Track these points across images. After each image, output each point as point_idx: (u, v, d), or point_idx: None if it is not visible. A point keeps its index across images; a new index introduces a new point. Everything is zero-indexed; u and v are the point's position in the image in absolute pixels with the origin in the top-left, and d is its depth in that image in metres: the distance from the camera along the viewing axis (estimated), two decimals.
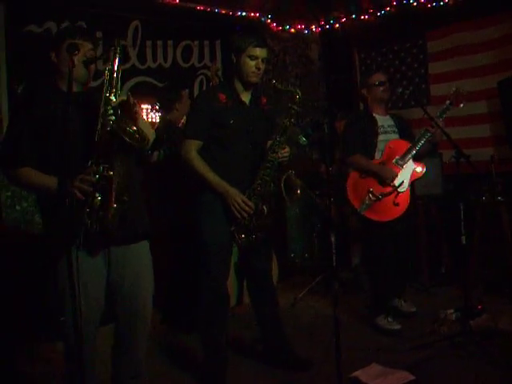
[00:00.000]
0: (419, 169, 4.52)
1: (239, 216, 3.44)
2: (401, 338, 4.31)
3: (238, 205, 3.41)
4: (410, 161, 4.48)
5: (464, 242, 4.13)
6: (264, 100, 3.75)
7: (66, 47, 2.67)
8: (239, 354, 4.11)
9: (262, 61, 3.54)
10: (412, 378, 3.51)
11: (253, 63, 3.50)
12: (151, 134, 2.89)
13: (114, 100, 2.67)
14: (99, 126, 2.64)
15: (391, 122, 4.69)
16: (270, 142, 3.60)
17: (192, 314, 4.68)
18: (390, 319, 4.48)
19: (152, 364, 3.94)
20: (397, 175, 4.43)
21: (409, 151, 4.46)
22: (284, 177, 3.56)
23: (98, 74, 3.14)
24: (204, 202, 3.58)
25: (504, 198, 5.19)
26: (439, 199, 5.74)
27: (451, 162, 4.31)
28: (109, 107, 2.65)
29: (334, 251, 3.20)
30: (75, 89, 2.81)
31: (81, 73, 2.80)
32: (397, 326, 4.44)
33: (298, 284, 5.94)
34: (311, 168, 6.40)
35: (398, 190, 4.43)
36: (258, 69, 3.52)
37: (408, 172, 4.48)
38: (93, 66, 2.86)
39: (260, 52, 3.51)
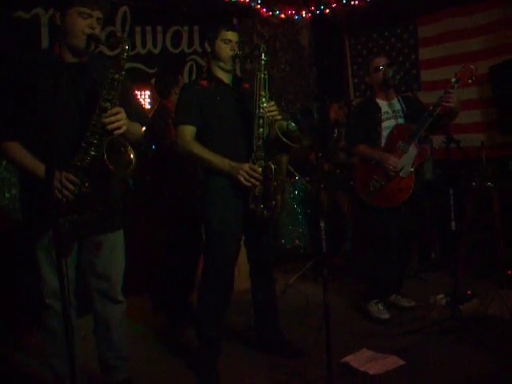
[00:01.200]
0: (423, 152, 4.40)
1: (250, 185, 3.39)
2: (391, 323, 4.32)
3: (246, 173, 3.37)
4: (413, 145, 4.35)
5: (454, 228, 4.12)
6: (246, 85, 3.74)
7: (73, 14, 2.66)
8: (231, 339, 4.10)
9: (236, 43, 3.59)
10: (402, 362, 3.52)
11: (227, 47, 3.55)
12: (139, 132, 2.96)
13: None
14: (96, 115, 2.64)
15: (398, 107, 4.54)
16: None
17: (185, 302, 4.70)
18: (380, 307, 4.47)
19: (142, 350, 3.98)
20: (397, 162, 4.33)
21: (413, 135, 4.33)
22: (276, 126, 3.44)
23: None
24: (211, 188, 3.57)
25: (494, 184, 5.21)
26: (429, 185, 5.73)
27: (441, 147, 4.30)
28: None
29: (323, 237, 3.20)
30: (71, 59, 2.78)
31: (81, 45, 2.72)
32: (386, 315, 4.42)
33: (288, 270, 5.94)
34: (301, 154, 6.39)
35: (401, 175, 4.34)
36: (234, 51, 3.56)
37: (411, 156, 4.36)
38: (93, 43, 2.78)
39: (232, 35, 3.57)
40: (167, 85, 4.67)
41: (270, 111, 3.44)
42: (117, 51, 2.74)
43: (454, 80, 4.21)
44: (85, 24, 2.70)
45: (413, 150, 4.36)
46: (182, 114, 3.58)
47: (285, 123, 3.43)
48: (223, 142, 3.53)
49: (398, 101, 4.58)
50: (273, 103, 3.49)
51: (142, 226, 5.14)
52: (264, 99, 3.44)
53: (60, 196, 2.57)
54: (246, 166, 3.37)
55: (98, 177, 2.68)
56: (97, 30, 2.74)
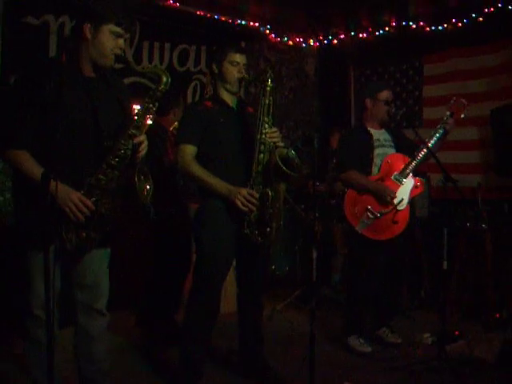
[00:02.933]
0: (419, 184, 4.39)
1: (247, 210, 3.38)
2: (374, 358, 4.29)
3: (244, 197, 3.36)
4: (410, 176, 4.34)
5: (445, 267, 4.10)
6: (251, 109, 3.75)
7: (106, 31, 2.68)
8: (213, 362, 4.07)
9: (244, 66, 3.58)
10: None
11: (235, 69, 3.55)
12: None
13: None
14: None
15: (387, 136, 4.53)
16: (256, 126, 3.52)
17: (170, 319, 4.66)
18: (361, 340, 4.43)
19: (123, 365, 3.93)
20: (395, 193, 4.28)
21: (407, 166, 4.32)
22: (277, 153, 3.43)
23: None
24: (206, 209, 3.57)
25: (488, 226, 5.20)
26: (424, 222, 5.73)
27: (438, 185, 4.30)
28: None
29: (314, 267, 3.18)
30: (90, 73, 2.78)
31: (108, 64, 2.75)
32: (367, 349, 4.39)
33: (276, 296, 5.90)
34: (299, 182, 6.39)
35: (397, 207, 4.29)
36: (240, 73, 3.56)
37: (407, 188, 4.34)
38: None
39: (240, 58, 3.57)
40: (167, 104, 4.65)
41: (271, 137, 3.43)
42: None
43: (448, 113, 4.28)
44: (116, 44, 2.72)
45: (409, 182, 4.35)
46: (184, 133, 3.57)
47: (285, 150, 3.42)
48: (223, 164, 3.53)
49: (387, 131, 4.57)
50: (275, 129, 3.48)
51: (129, 241, 5.11)
52: (267, 125, 3.43)
53: (72, 217, 2.61)
54: (244, 191, 3.36)
55: (114, 199, 2.72)
56: (122, 51, 2.77)
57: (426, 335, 4.54)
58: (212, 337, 3.71)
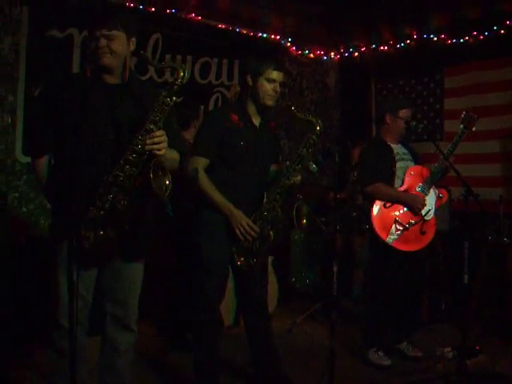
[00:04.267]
0: (442, 195, 4.44)
1: (243, 239, 3.40)
2: (394, 371, 4.27)
3: (243, 228, 3.38)
4: (433, 187, 4.41)
5: (466, 281, 4.08)
6: (272, 124, 3.74)
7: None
8: (230, 375, 4.07)
9: (280, 84, 3.53)
10: None
11: (270, 86, 3.48)
12: (176, 160, 2.98)
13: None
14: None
15: (404, 150, 4.59)
16: (283, 167, 3.57)
17: (188, 328, 4.67)
18: (380, 353, 4.41)
19: (142, 377, 3.93)
20: (425, 203, 4.35)
21: (431, 177, 4.38)
22: (296, 205, 3.48)
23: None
24: (205, 220, 3.55)
25: (510, 240, 5.16)
26: (445, 235, 5.69)
27: (460, 199, 4.29)
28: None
29: (335, 280, 3.19)
30: (111, 80, 2.82)
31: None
32: (387, 362, 4.37)
33: (296, 309, 5.89)
34: (319, 195, 6.40)
35: (425, 218, 4.34)
36: (276, 92, 3.50)
37: (432, 199, 4.40)
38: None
39: (278, 75, 3.49)
40: (188, 118, 4.69)
41: (293, 184, 3.50)
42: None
43: (461, 126, 4.34)
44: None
45: (433, 193, 4.41)
46: (201, 145, 3.53)
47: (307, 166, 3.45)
48: (234, 183, 3.51)
49: (403, 145, 4.62)
50: (299, 178, 3.52)
51: (149, 252, 5.13)
52: (292, 172, 3.49)
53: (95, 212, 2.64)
54: (244, 222, 3.39)
55: (132, 195, 2.71)
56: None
57: (447, 349, 4.50)
58: (229, 348, 3.70)
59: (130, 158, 2.67)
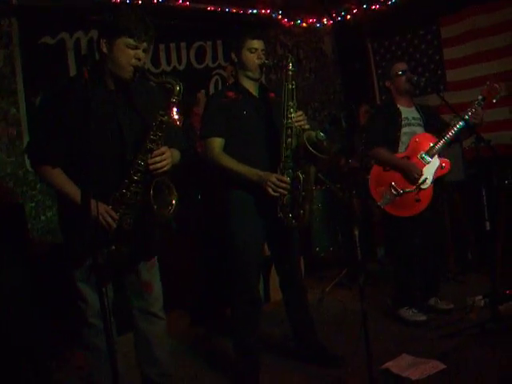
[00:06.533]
0: (444, 165, 4.38)
1: (278, 195, 3.40)
2: (429, 327, 4.28)
3: (274, 183, 3.37)
4: (436, 157, 4.35)
5: (488, 228, 4.07)
6: (272, 94, 3.76)
7: (121, 44, 2.71)
8: (270, 351, 4.11)
9: (262, 51, 3.59)
10: (443, 366, 3.50)
11: (254, 55, 3.56)
12: (177, 158, 3.00)
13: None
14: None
15: (416, 115, 4.53)
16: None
17: (221, 314, 4.72)
18: (414, 310, 4.44)
19: (182, 366, 3.98)
20: (422, 171, 4.31)
21: (434, 146, 4.33)
22: (305, 136, 3.44)
23: None
24: (233, 200, 3.60)
25: None
26: (462, 185, 5.66)
27: (471, 147, 4.27)
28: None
29: (357, 245, 3.19)
30: (113, 87, 2.82)
31: (127, 76, 2.76)
32: (422, 317, 4.39)
33: (324, 278, 5.93)
34: (331, 162, 6.38)
35: (421, 186, 4.32)
36: (260, 59, 3.57)
37: (432, 168, 4.35)
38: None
39: (258, 43, 3.58)
40: (187, 104, 4.71)
41: (297, 121, 3.44)
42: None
43: (480, 98, 4.25)
44: (132, 55, 2.74)
45: (435, 162, 4.36)
46: (209, 126, 3.59)
47: (313, 133, 3.43)
48: (249, 153, 3.55)
49: (417, 109, 4.57)
50: (301, 113, 3.49)
51: (177, 245, 5.16)
52: (292, 109, 3.44)
53: (104, 223, 2.66)
54: (273, 177, 3.38)
55: (139, 213, 2.75)
56: (143, 61, 2.79)
57: (478, 298, 4.50)
58: (265, 325, 3.74)
59: (135, 177, 2.71)
